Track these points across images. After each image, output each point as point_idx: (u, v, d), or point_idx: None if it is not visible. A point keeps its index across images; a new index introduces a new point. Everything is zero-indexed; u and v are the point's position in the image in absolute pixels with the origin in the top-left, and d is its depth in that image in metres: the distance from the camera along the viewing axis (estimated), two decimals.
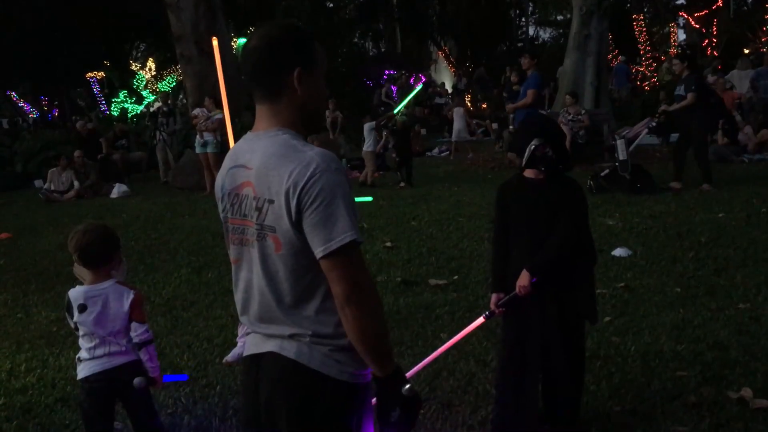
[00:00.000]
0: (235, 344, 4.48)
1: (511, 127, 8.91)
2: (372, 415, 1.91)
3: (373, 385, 1.87)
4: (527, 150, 3.06)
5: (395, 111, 13.35)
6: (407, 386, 1.81)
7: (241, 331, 4.45)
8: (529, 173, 3.14)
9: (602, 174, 9.13)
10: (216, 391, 3.95)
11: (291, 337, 1.83)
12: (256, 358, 1.91)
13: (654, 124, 9.68)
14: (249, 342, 1.96)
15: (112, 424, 2.97)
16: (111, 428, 2.96)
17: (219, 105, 11.38)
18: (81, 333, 2.87)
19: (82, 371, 2.87)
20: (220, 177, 1.94)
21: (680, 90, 8.94)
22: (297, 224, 1.73)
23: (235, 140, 3.86)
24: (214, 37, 4.43)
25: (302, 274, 1.78)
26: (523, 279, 3.04)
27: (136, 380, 2.83)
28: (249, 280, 1.88)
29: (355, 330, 1.74)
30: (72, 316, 2.86)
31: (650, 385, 3.71)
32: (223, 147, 11.32)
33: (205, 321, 5.23)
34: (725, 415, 3.33)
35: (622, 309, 4.87)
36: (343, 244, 1.70)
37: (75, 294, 2.86)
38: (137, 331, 2.82)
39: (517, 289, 3.06)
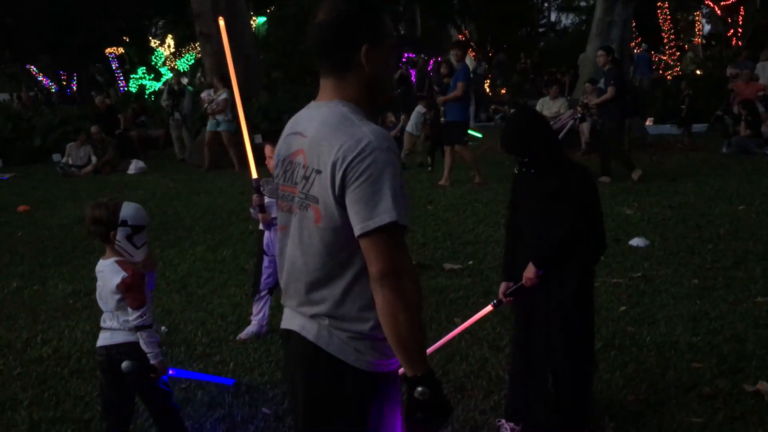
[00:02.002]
0: (248, 322, 4.50)
1: (442, 119, 9.32)
2: (400, 408, 1.85)
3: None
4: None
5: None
6: (420, 389, 1.70)
7: (255, 309, 4.46)
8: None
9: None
10: (229, 368, 3.98)
11: (312, 317, 1.81)
12: (286, 333, 1.92)
13: (578, 116, 9.70)
14: (284, 314, 1.97)
15: (125, 398, 2.95)
16: (125, 402, 2.95)
17: (226, 83, 11.40)
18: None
19: (99, 340, 2.92)
20: (279, 143, 1.94)
21: (602, 83, 9.20)
22: (340, 198, 1.68)
23: (246, 121, 3.86)
24: (221, 18, 4.35)
25: (335, 251, 1.74)
26: (529, 271, 3.03)
27: (124, 364, 2.79)
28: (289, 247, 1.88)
29: (386, 315, 1.67)
30: None
31: (665, 375, 3.68)
32: (236, 126, 11.37)
33: (220, 298, 5.25)
34: (740, 407, 3.30)
35: (638, 299, 4.83)
36: (382, 224, 1.63)
37: (97, 266, 2.92)
38: (132, 316, 2.78)
39: (523, 280, 3.06)
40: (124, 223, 2.81)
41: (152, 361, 2.82)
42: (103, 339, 2.87)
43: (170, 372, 3.00)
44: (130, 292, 2.77)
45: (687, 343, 4.05)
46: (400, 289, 1.66)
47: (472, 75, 12.41)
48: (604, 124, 9.10)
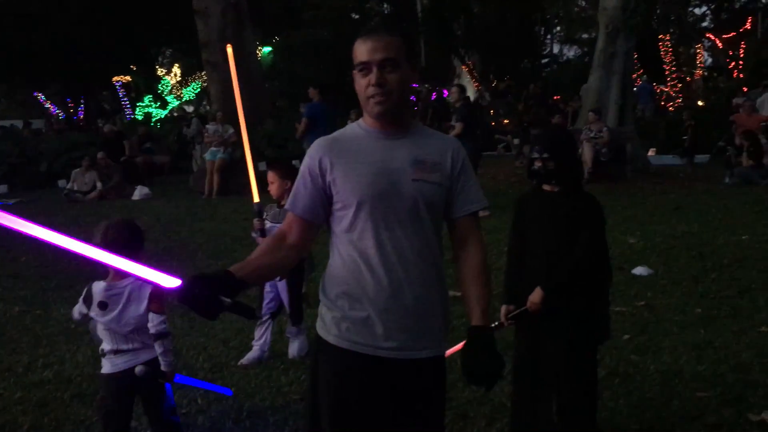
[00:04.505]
0: (251, 347, 4.48)
1: (304, 145, 10.28)
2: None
3: None
4: (528, 161, 3.11)
5: None
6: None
7: (257, 334, 4.45)
8: (546, 187, 3.12)
9: None
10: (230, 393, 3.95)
11: None
12: None
13: None
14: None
15: (130, 421, 2.97)
16: (129, 425, 2.96)
17: (230, 119, 11.85)
18: (102, 328, 2.87)
19: (107, 366, 2.88)
20: None
21: (453, 120, 9.64)
22: None
23: (252, 148, 3.91)
24: (229, 45, 4.42)
25: None
26: (536, 296, 3.01)
27: (138, 368, 2.82)
28: None
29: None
30: (89, 308, 2.85)
31: (669, 404, 3.65)
32: (232, 155, 11.75)
33: (222, 324, 5.23)
34: None
35: (642, 327, 4.80)
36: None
37: (97, 288, 2.85)
38: (154, 322, 2.81)
39: (528, 305, 3.04)
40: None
41: (165, 368, 2.85)
42: (124, 362, 2.84)
43: (175, 378, 3.00)
44: (157, 299, 2.82)
45: (691, 372, 4.02)
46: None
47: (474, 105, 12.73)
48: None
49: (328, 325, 2.03)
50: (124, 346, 2.84)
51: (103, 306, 2.81)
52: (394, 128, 2.03)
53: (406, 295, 1.98)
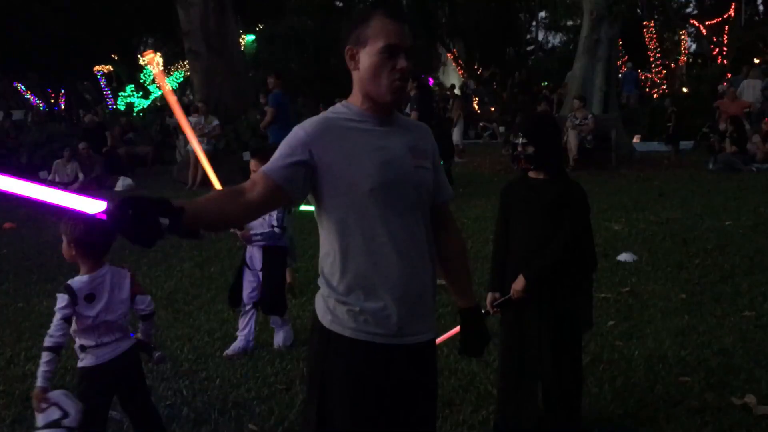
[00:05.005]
0: (235, 338, 4.46)
1: (270, 136, 10.29)
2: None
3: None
4: (511, 147, 3.13)
5: None
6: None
7: (241, 324, 4.43)
8: (532, 174, 3.12)
9: None
10: (216, 384, 3.93)
11: None
12: None
13: None
14: None
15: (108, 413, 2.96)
16: (107, 418, 2.95)
17: (214, 111, 11.77)
18: (82, 325, 2.79)
19: (90, 359, 2.82)
20: None
21: (408, 108, 9.66)
22: None
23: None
24: (150, 52, 4.38)
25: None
26: (519, 284, 3.02)
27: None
28: None
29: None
30: (75, 305, 2.76)
31: (653, 390, 3.67)
32: (216, 146, 11.66)
33: (207, 315, 5.21)
34: (728, 421, 3.29)
35: (626, 314, 4.83)
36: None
37: (78, 284, 2.79)
38: (144, 303, 2.86)
39: (511, 292, 3.05)
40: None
41: (152, 345, 2.99)
42: (109, 352, 2.81)
43: None
44: (136, 282, 2.91)
45: (675, 358, 4.05)
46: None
47: (460, 93, 12.63)
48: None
49: (342, 319, 1.93)
50: (107, 338, 2.81)
51: (91, 298, 2.78)
52: (387, 115, 1.98)
53: (416, 281, 1.96)
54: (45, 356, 2.71)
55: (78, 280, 2.81)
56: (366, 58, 1.90)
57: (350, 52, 1.93)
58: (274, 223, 4.26)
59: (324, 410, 1.95)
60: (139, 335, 2.98)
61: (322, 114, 1.99)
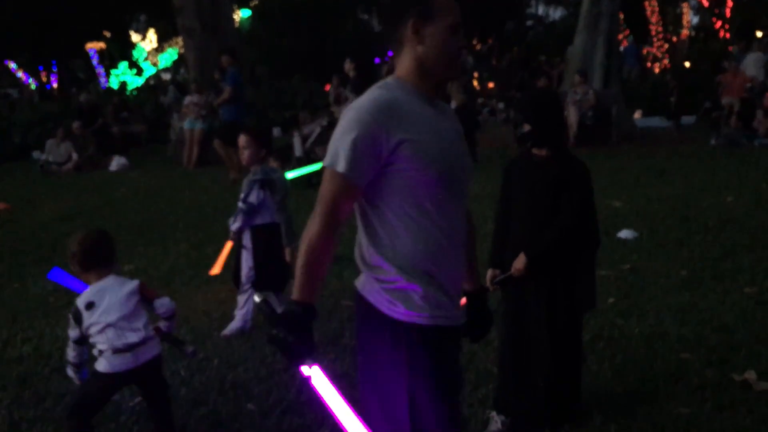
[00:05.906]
0: (233, 318, 4.43)
1: (224, 114, 10.17)
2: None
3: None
4: (513, 124, 3.06)
5: None
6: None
7: (240, 303, 4.40)
8: (535, 151, 3.06)
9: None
10: (214, 365, 3.91)
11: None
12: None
13: (325, 123, 9.81)
14: None
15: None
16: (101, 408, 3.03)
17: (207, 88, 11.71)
18: (99, 328, 2.77)
19: (105, 365, 2.78)
20: None
21: (347, 90, 9.84)
22: None
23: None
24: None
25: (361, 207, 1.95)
26: (519, 261, 2.98)
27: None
28: None
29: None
30: (80, 324, 2.78)
31: (653, 366, 3.65)
32: (211, 124, 11.50)
33: (204, 295, 5.18)
34: (729, 397, 3.28)
35: (626, 291, 4.80)
36: (326, 165, 1.82)
37: (82, 298, 2.83)
38: (164, 307, 2.89)
39: (512, 270, 3.01)
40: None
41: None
42: (145, 353, 2.81)
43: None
44: (148, 289, 2.92)
45: (675, 335, 4.02)
46: (310, 224, 1.82)
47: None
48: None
49: (417, 305, 1.86)
50: (131, 339, 2.76)
51: (90, 306, 2.77)
52: (434, 95, 1.93)
53: (461, 265, 2.01)
54: (69, 371, 2.95)
55: (80, 299, 2.84)
56: (435, 33, 1.84)
57: (416, 26, 1.83)
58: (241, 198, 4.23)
59: (414, 405, 1.88)
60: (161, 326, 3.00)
61: (379, 94, 1.85)
